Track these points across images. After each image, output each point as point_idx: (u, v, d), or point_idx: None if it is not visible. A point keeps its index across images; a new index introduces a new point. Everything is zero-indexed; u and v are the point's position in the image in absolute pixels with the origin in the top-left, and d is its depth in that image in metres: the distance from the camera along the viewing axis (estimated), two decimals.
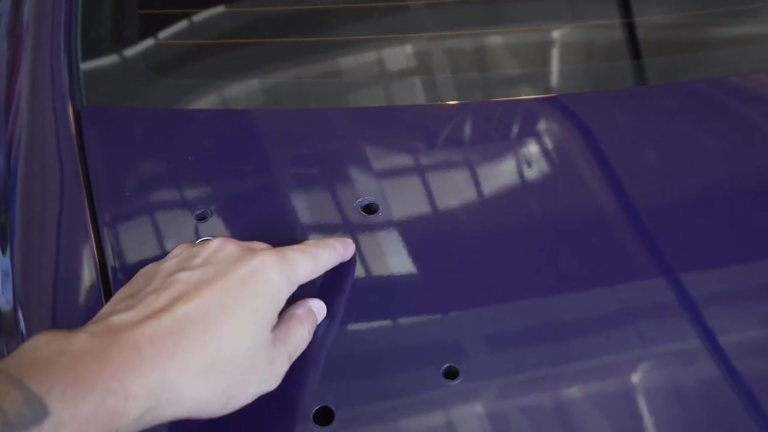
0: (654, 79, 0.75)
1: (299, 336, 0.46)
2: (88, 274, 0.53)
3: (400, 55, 0.73)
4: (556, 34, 0.76)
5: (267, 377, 0.43)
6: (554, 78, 0.73)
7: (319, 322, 0.49)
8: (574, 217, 0.57)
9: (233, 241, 0.46)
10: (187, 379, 0.38)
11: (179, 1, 0.73)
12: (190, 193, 0.57)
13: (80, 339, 0.37)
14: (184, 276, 0.42)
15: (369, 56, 0.73)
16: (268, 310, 0.43)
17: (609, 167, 0.61)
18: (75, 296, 0.52)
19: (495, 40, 0.76)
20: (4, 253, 0.59)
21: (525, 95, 0.70)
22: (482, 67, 0.74)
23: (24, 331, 0.52)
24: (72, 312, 0.51)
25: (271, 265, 0.44)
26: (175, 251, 0.47)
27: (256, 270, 0.43)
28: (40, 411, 0.33)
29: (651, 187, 0.59)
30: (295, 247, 0.48)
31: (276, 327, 0.45)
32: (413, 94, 0.71)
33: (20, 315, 0.53)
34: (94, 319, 0.40)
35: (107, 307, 0.42)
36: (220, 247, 0.45)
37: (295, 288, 0.46)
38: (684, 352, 0.49)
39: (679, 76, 0.74)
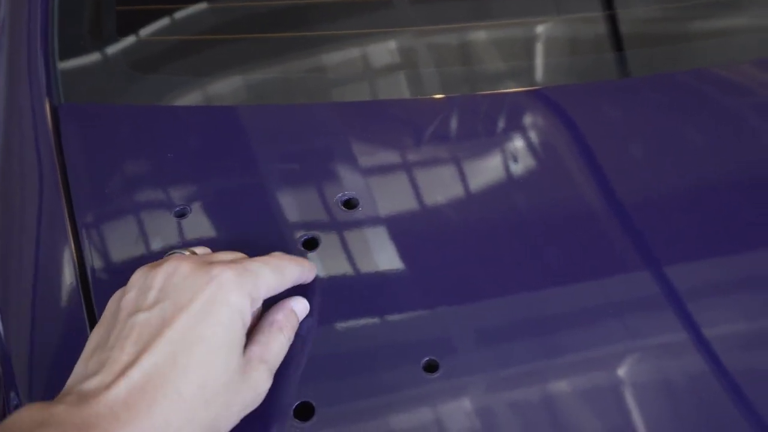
0: (637, 71, 0.75)
1: (278, 346, 0.45)
2: (67, 274, 0.52)
3: (384, 50, 0.73)
4: (539, 27, 0.76)
5: (249, 401, 0.43)
6: (538, 71, 0.73)
7: (301, 319, 0.48)
8: (558, 210, 0.57)
9: (189, 258, 0.45)
10: None
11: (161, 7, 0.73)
12: (170, 191, 0.56)
13: (60, 411, 0.37)
14: (142, 318, 0.42)
15: (353, 51, 0.72)
16: (234, 335, 0.42)
17: (594, 160, 0.61)
18: (54, 296, 0.52)
19: (480, 34, 0.75)
20: None
21: (509, 89, 0.69)
22: (467, 61, 0.74)
23: (2, 335, 0.51)
24: (51, 313, 0.51)
25: (230, 286, 0.43)
26: (133, 278, 0.45)
27: (214, 295, 0.42)
28: None
29: (635, 180, 0.59)
30: (258, 259, 0.46)
31: (252, 341, 0.44)
32: (398, 88, 0.70)
33: None
34: (67, 384, 0.41)
35: (79, 366, 0.42)
36: (175, 271, 0.43)
37: (259, 303, 0.45)
38: (671, 345, 0.49)
39: (662, 67, 0.74)
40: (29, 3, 0.68)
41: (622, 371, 0.48)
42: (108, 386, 0.39)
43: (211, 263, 0.44)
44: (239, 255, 0.48)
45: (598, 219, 0.55)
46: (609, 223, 0.55)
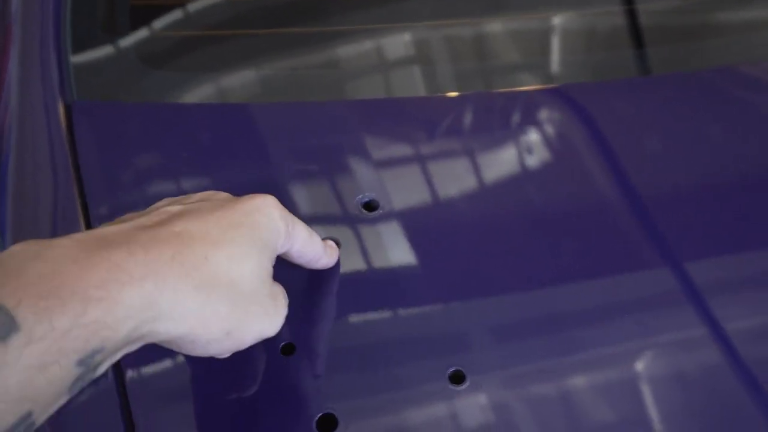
0: (658, 68, 0.73)
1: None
2: None
3: (399, 45, 0.71)
4: (557, 22, 0.74)
5: (269, 311, 0.39)
6: (556, 68, 0.72)
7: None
8: (581, 212, 0.56)
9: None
10: (187, 289, 0.34)
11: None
12: (185, 190, 0.55)
13: (62, 244, 0.32)
14: (178, 207, 0.38)
15: (368, 46, 0.71)
16: (269, 242, 0.39)
17: (614, 160, 0.60)
18: None
19: (496, 28, 0.74)
20: None
21: (527, 85, 0.68)
22: (484, 56, 0.73)
23: None
24: None
25: (273, 204, 0.41)
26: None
27: (257, 205, 0.40)
28: (6, 324, 0.28)
29: (655, 180, 0.58)
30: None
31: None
32: (414, 84, 0.69)
33: None
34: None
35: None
36: (216, 192, 0.43)
37: (289, 245, 0.43)
38: (691, 342, 0.48)
39: (684, 65, 0.73)
40: (41, 21, 0.66)
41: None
42: (128, 233, 0.34)
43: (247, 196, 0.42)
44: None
45: (624, 220, 0.55)
46: (635, 224, 0.54)
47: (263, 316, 0.39)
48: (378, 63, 0.70)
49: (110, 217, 0.54)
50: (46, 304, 0.29)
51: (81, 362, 0.31)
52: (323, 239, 0.51)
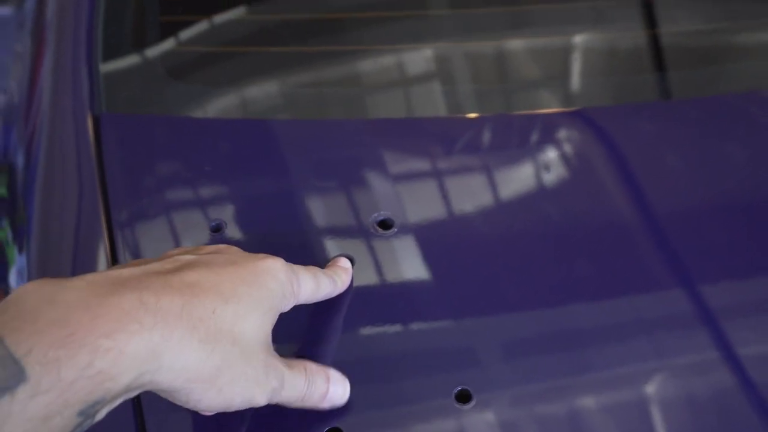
0: (679, 92, 0.73)
1: (297, 378, 0.42)
2: None
3: (418, 63, 0.72)
4: (578, 44, 0.75)
5: (260, 380, 0.39)
6: (576, 90, 0.72)
7: (330, 404, 0.45)
8: (596, 233, 0.56)
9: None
10: (192, 343, 0.35)
11: (200, 8, 0.73)
12: (205, 203, 0.56)
13: (76, 286, 0.33)
14: (191, 257, 0.39)
15: (389, 65, 0.72)
16: (274, 305, 0.40)
17: (632, 183, 0.60)
18: None
19: (516, 48, 0.75)
20: (20, 251, 0.59)
21: (545, 107, 0.69)
22: (502, 76, 0.73)
23: None
24: None
25: (281, 267, 0.42)
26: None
27: (267, 267, 0.41)
28: (16, 375, 0.29)
29: (674, 204, 0.58)
30: (301, 267, 0.46)
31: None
32: (431, 103, 0.70)
33: None
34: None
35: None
36: (228, 247, 0.44)
37: (295, 302, 0.44)
38: (702, 364, 0.48)
39: (706, 90, 0.73)
40: (75, 9, 0.68)
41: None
42: (141, 278, 0.35)
43: (259, 255, 0.43)
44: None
45: (644, 246, 0.55)
46: (655, 250, 0.55)
47: (254, 382, 0.38)
48: (397, 81, 0.71)
49: (132, 227, 0.55)
50: (56, 354, 0.30)
51: (82, 413, 0.31)
52: (336, 257, 0.52)
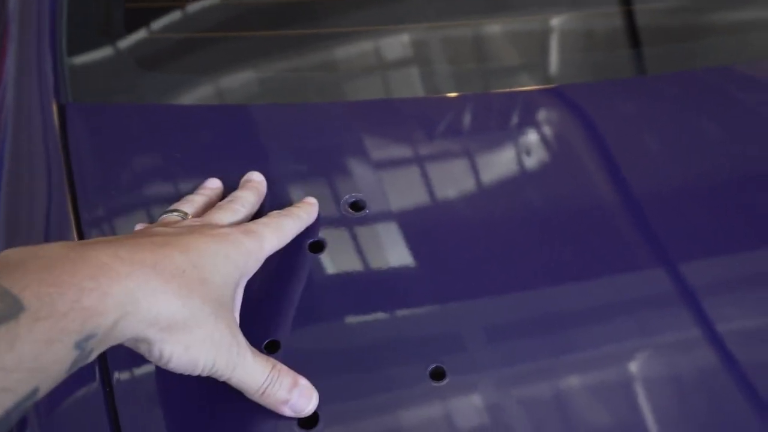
0: (654, 68, 0.73)
1: (258, 367, 0.43)
2: None
3: (395, 46, 0.72)
4: (554, 22, 0.74)
5: (223, 345, 0.41)
6: (551, 68, 0.72)
7: (292, 411, 0.45)
8: (572, 209, 0.56)
9: (196, 219, 0.48)
10: (165, 296, 0.38)
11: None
12: (175, 190, 0.56)
13: (55, 246, 0.36)
14: (159, 228, 0.44)
15: (363, 48, 0.71)
16: (237, 271, 0.44)
17: (612, 160, 0.60)
18: None
19: (493, 29, 0.74)
20: None
21: (522, 86, 0.68)
22: (480, 57, 0.73)
23: None
24: None
25: (240, 235, 0.45)
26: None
27: (228, 234, 0.44)
28: (15, 306, 0.32)
29: (653, 180, 0.58)
30: (260, 220, 0.49)
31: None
32: (409, 85, 0.69)
33: None
34: None
35: None
36: (193, 220, 0.48)
37: (262, 260, 0.47)
38: (684, 342, 0.48)
39: (680, 65, 0.73)
40: (37, 3, 0.67)
41: (639, 370, 0.47)
42: (113, 242, 0.39)
43: (222, 227, 0.46)
44: (239, 215, 0.50)
45: (616, 218, 0.55)
46: (629, 223, 0.55)
47: (219, 345, 0.41)
48: (373, 64, 0.70)
49: (100, 217, 0.55)
50: (48, 290, 0.33)
51: (78, 345, 0.34)
52: (310, 242, 0.52)
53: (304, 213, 0.52)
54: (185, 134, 0.60)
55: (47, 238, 0.55)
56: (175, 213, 0.49)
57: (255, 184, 0.54)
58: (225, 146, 0.59)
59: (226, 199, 0.51)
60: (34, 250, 0.36)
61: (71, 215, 0.54)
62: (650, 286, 0.51)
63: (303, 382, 0.45)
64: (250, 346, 0.43)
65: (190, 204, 0.51)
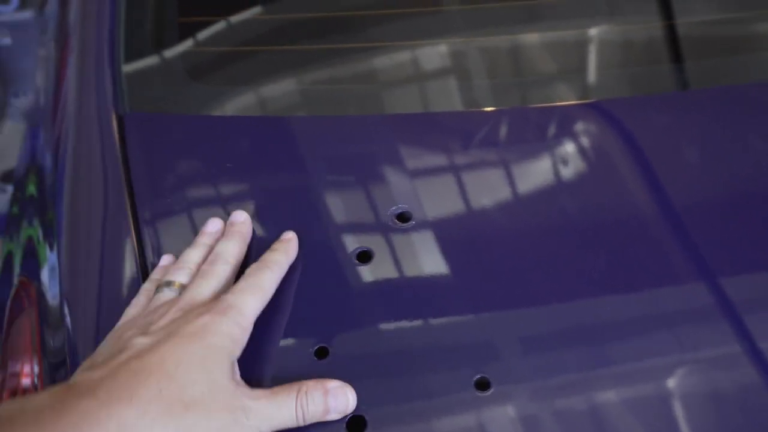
0: (698, 83, 0.73)
1: (283, 404, 0.45)
2: (129, 274, 0.55)
3: (435, 60, 0.73)
4: (593, 35, 0.75)
5: (229, 427, 0.43)
6: (591, 82, 0.72)
7: (338, 414, 0.46)
8: (616, 226, 0.56)
9: (181, 300, 0.49)
10: (144, 425, 0.40)
11: (218, 9, 0.75)
12: (227, 199, 0.58)
13: (41, 396, 0.40)
14: (140, 340, 0.45)
15: (403, 61, 0.73)
16: (221, 358, 0.44)
17: (651, 174, 0.60)
18: (117, 293, 0.54)
19: (533, 42, 0.75)
20: (51, 249, 0.61)
21: (562, 100, 0.69)
22: (519, 70, 0.74)
23: (70, 327, 0.54)
24: (114, 307, 0.53)
25: (218, 318, 0.46)
26: (132, 310, 0.50)
27: (206, 324, 0.45)
28: None
29: (693, 195, 0.58)
30: (238, 285, 0.49)
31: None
32: (449, 99, 0.70)
33: (66, 310, 0.55)
34: None
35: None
36: (176, 310, 0.48)
37: (250, 329, 0.47)
38: (726, 359, 0.48)
39: (724, 80, 0.73)
40: (97, 16, 0.70)
41: (693, 385, 0.47)
42: (93, 379, 0.42)
43: (200, 314, 0.46)
44: (222, 277, 0.51)
45: (659, 232, 0.55)
46: (671, 237, 0.55)
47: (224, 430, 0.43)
48: (413, 77, 0.72)
49: (157, 226, 0.57)
50: None
51: None
52: (357, 252, 0.54)
53: (282, 256, 0.52)
54: (238, 144, 0.62)
55: (106, 242, 0.57)
56: (169, 288, 0.50)
57: (238, 228, 0.54)
58: (276, 157, 0.61)
59: (209, 260, 0.52)
60: (22, 404, 0.39)
61: (130, 220, 0.57)
62: (693, 299, 0.52)
63: (331, 385, 0.46)
64: (257, 393, 0.45)
65: (186, 270, 0.52)
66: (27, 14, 0.95)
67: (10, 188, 0.97)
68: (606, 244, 0.55)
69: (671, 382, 0.48)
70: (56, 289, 0.57)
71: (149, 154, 0.61)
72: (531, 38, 0.75)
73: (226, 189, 0.59)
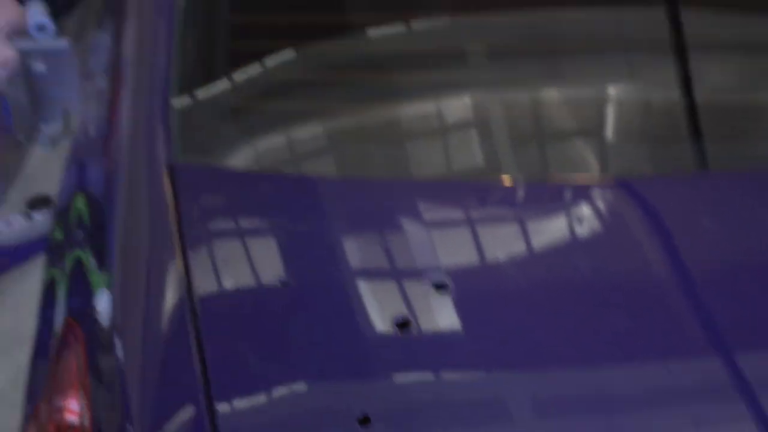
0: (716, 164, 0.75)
1: None
2: (178, 311, 0.56)
3: (459, 118, 0.75)
4: (613, 111, 0.77)
5: None
6: (616, 159, 0.74)
7: None
8: (640, 303, 0.58)
9: None
10: None
11: (268, 55, 0.76)
12: (271, 258, 0.60)
13: None
14: None
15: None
16: None
17: (671, 251, 0.62)
18: (167, 331, 0.56)
19: (557, 113, 0.78)
20: (102, 281, 0.62)
21: (582, 170, 0.71)
22: (544, 140, 0.76)
23: (120, 354, 0.55)
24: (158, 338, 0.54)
25: None
26: None
27: None
28: None
29: (711, 273, 0.61)
30: None
31: None
32: (471, 158, 0.72)
33: (116, 340, 0.56)
34: None
35: None
36: None
37: None
38: None
39: (743, 163, 0.75)
40: (153, 52, 0.72)
41: None
42: None
43: None
44: None
45: (682, 311, 0.57)
46: (693, 316, 0.57)
47: None
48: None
49: (205, 272, 0.59)
50: None
51: None
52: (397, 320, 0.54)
53: None
54: (283, 202, 0.64)
55: (152, 278, 0.58)
56: None
57: None
58: (319, 217, 0.63)
59: None
60: None
61: (182, 268, 0.58)
62: (711, 376, 0.53)
63: None
64: None
65: None
66: (63, 43, 0.97)
67: (35, 214, 0.97)
68: (631, 322, 0.56)
69: None
70: (107, 323, 0.58)
71: (198, 206, 0.63)
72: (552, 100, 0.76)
73: (275, 252, 0.61)
